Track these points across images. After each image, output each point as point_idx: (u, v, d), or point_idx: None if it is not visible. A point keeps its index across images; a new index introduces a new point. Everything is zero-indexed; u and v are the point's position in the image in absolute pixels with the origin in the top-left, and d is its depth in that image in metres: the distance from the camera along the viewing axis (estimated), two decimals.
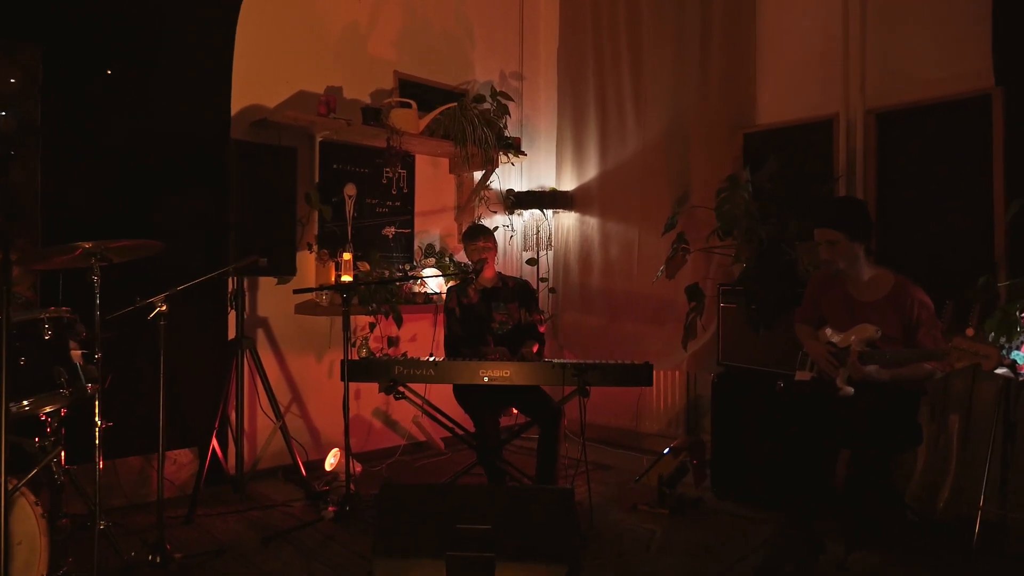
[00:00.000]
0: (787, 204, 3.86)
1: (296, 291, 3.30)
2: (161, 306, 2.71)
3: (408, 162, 4.91)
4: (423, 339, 4.94)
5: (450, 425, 3.67)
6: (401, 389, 3.47)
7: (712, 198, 4.26)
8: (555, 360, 3.46)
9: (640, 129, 4.93)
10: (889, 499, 3.38)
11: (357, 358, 3.48)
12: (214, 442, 3.69)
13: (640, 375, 3.39)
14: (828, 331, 3.21)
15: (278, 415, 3.82)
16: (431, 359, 3.47)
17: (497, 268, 4.09)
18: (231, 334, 3.93)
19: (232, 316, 3.94)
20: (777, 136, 4.29)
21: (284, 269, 3.78)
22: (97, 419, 2.64)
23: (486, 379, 3.38)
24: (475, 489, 3.24)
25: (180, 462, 3.95)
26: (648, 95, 4.88)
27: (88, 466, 2.85)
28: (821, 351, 3.14)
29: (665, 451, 3.72)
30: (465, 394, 3.71)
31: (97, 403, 2.63)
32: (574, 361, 3.39)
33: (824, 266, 3.18)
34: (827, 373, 3.12)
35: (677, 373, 4.70)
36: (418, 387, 3.52)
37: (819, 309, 3.30)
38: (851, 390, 2.99)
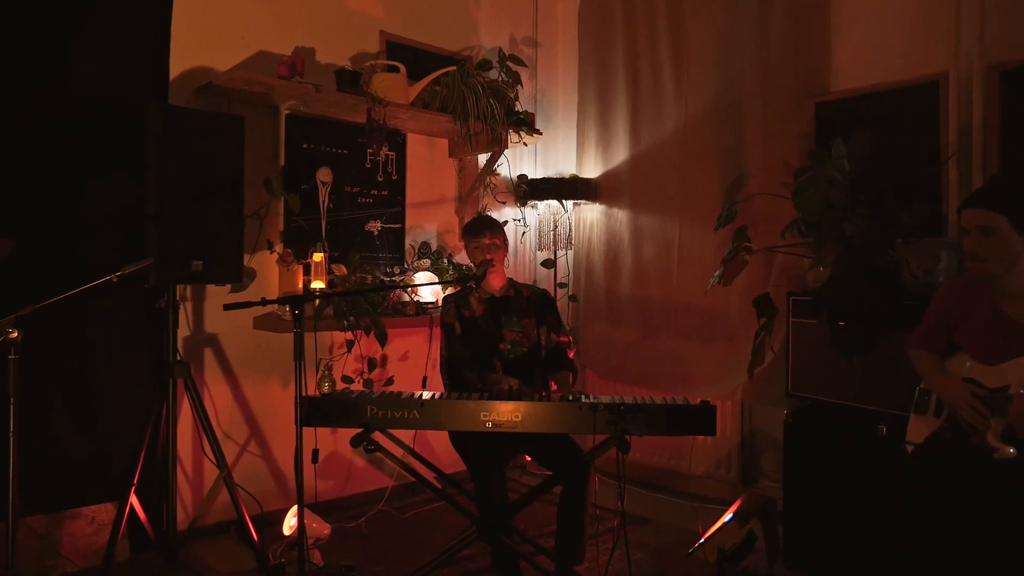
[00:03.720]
0: (880, 192, 2.96)
1: (228, 306, 2.42)
2: (11, 331, 1.84)
3: (398, 142, 4.03)
4: (416, 357, 4.06)
5: (440, 487, 2.81)
6: (378, 437, 2.59)
7: (774, 183, 3.40)
8: (582, 398, 2.56)
9: (681, 102, 4.02)
10: None
11: (317, 393, 2.62)
12: (132, 498, 2.82)
13: (698, 420, 2.49)
14: (967, 362, 2.31)
15: (221, 463, 2.95)
16: (418, 396, 2.58)
17: (508, 273, 3.22)
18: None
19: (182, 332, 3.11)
20: (860, 105, 3.38)
21: (227, 274, 2.89)
22: None
23: (489, 424, 2.50)
24: None
25: (99, 520, 3.09)
26: (691, 59, 3.97)
27: None
28: (960, 391, 2.24)
29: (727, 518, 2.82)
30: (463, 438, 2.84)
31: None
32: (608, 401, 2.49)
33: (970, 263, 2.27)
34: (968, 423, 2.22)
35: (728, 402, 3.79)
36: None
37: (950, 331, 2.40)
38: (1012, 451, 2.09)
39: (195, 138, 2.77)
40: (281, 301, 2.48)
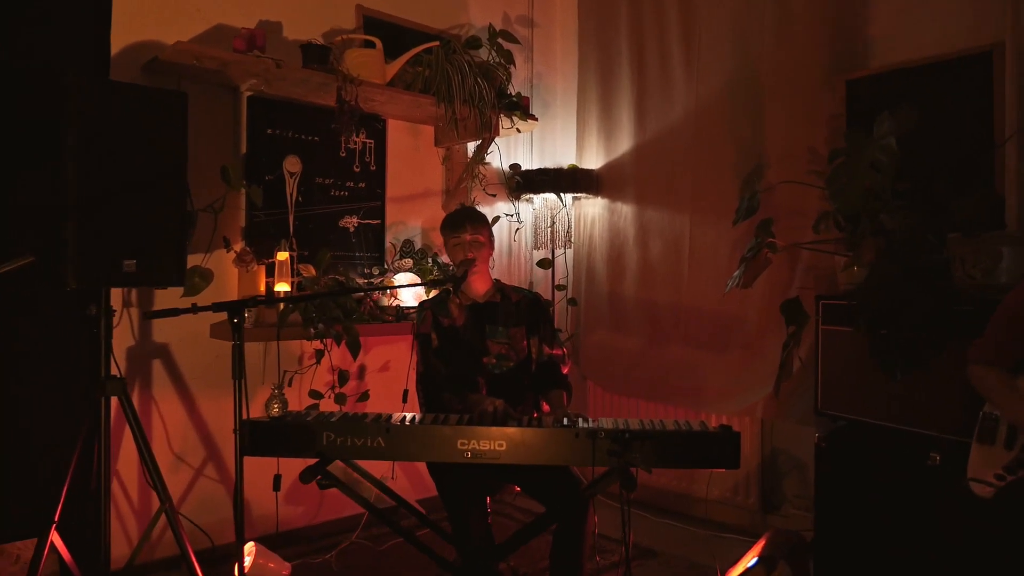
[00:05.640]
0: (927, 179, 2.56)
1: (147, 315, 2.03)
2: None
3: (377, 129, 3.63)
4: (398, 367, 3.66)
5: (408, 526, 2.38)
6: (338, 468, 2.18)
7: (798, 172, 3.00)
8: (579, 422, 2.15)
9: (692, 84, 3.61)
10: None
11: (266, 415, 2.22)
12: (54, 535, 2.42)
13: (718, 450, 2.08)
14: None
15: (162, 493, 2.54)
16: (384, 420, 2.17)
17: (495, 275, 2.81)
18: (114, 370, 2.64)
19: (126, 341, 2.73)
20: (899, 81, 2.97)
21: (166, 276, 2.48)
22: None
23: (469, 455, 2.09)
24: None
25: (26, 559, 2.69)
26: (703, 36, 3.57)
27: None
28: None
29: (751, 562, 2.40)
30: (440, 466, 2.43)
31: None
32: (610, 427, 2.09)
33: None
34: None
35: (747, 419, 3.38)
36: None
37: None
38: None
39: (128, 117, 2.36)
40: (214, 308, 2.06)
